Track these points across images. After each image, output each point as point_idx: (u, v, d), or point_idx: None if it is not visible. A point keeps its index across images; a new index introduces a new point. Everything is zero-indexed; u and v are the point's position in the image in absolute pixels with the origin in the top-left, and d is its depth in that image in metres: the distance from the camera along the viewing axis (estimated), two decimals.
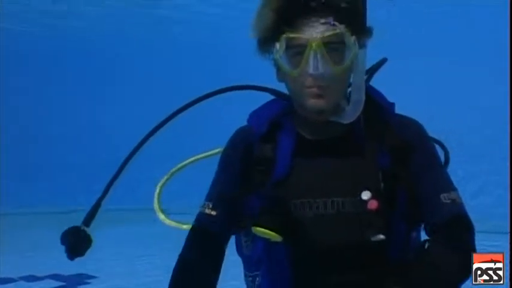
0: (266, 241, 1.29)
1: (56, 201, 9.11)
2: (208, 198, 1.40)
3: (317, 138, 1.33)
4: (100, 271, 5.10)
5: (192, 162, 1.69)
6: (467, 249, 1.30)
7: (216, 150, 1.57)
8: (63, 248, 1.43)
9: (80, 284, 4.79)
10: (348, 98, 1.32)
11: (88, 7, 9.25)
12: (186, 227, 1.50)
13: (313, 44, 1.20)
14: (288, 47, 1.23)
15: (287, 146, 1.34)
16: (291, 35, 1.21)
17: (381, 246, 1.25)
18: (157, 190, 1.65)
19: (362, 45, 1.27)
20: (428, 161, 1.34)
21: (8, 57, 9.56)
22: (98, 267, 5.19)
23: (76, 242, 1.42)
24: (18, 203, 8.90)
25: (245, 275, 1.46)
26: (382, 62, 1.42)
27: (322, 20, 1.21)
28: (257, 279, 1.39)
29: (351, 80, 1.31)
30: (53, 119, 10.03)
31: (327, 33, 1.20)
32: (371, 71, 1.42)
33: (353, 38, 1.23)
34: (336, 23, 1.21)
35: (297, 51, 1.22)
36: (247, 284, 1.45)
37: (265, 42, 1.27)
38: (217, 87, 1.47)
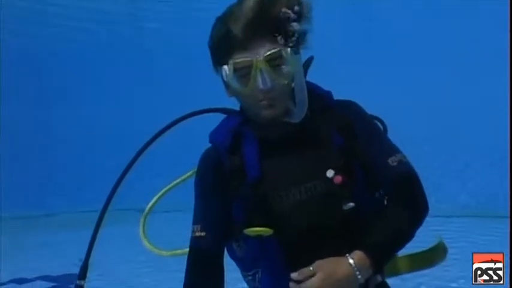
0: (258, 239, 1.44)
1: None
2: (195, 222, 1.55)
3: (276, 138, 1.49)
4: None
5: (168, 189, 1.85)
6: (417, 202, 1.49)
7: (190, 173, 1.75)
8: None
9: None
10: (293, 100, 1.48)
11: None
12: (166, 253, 1.80)
13: (258, 64, 1.38)
14: (236, 69, 1.41)
15: (252, 151, 1.49)
16: (237, 60, 1.40)
17: (353, 214, 1.42)
18: (141, 225, 1.85)
19: (297, 53, 1.43)
20: (371, 132, 1.53)
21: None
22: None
23: None
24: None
25: (244, 276, 1.57)
26: (310, 60, 1.55)
27: (261, 42, 1.39)
28: (257, 275, 1.51)
29: (293, 84, 1.48)
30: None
31: (267, 53, 1.39)
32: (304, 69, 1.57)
33: (289, 50, 1.40)
34: (274, 42, 1.39)
35: (244, 72, 1.41)
36: (248, 283, 1.57)
37: (216, 64, 1.48)
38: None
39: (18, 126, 9.66)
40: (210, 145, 1.59)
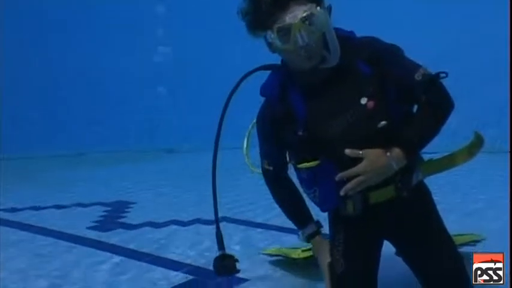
0: (312, 168, 1.86)
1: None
2: (263, 157, 2.08)
3: (316, 82, 1.82)
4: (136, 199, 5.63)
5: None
6: (440, 102, 1.80)
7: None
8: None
9: (122, 210, 5.15)
10: (327, 48, 1.78)
11: None
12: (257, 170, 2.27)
13: (296, 25, 1.70)
14: (278, 31, 1.72)
15: (297, 97, 1.85)
16: (280, 25, 1.72)
17: (387, 128, 1.75)
18: (245, 150, 2.58)
19: (323, 8, 1.74)
20: (394, 57, 1.81)
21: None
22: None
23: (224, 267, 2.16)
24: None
25: (307, 193, 2.00)
26: (330, 8, 1.83)
27: (295, 6, 1.71)
28: (316, 193, 1.92)
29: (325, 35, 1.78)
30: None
31: (302, 15, 1.70)
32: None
33: (318, 9, 1.72)
34: (305, 4, 1.71)
35: (285, 32, 1.72)
36: (310, 198, 2.00)
37: (257, 30, 1.79)
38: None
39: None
40: None
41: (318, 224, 2.12)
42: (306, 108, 1.83)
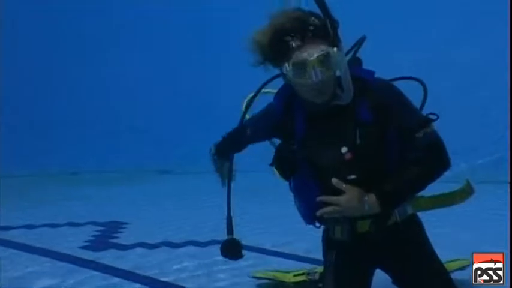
0: (299, 177, 2.01)
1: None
2: (249, 125, 2.18)
3: (318, 110, 1.89)
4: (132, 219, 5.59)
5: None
6: (436, 164, 1.84)
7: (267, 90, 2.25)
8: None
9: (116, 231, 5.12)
10: (339, 86, 1.85)
11: None
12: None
13: (311, 62, 1.76)
14: (294, 65, 1.79)
15: (300, 117, 1.93)
16: (296, 60, 1.78)
17: (356, 182, 1.84)
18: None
19: (339, 48, 1.81)
20: (402, 107, 1.85)
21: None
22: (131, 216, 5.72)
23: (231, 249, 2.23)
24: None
25: (294, 202, 2.10)
26: (362, 40, 1.99)
27: (312, 45, 1.77)
28: (299, 204, 2.07)
29: (339, 74, 1.85)
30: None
31: (319, 53, 1.77)
32: (355, 48, 2.03)
33: (334, 49, 1.78)
34: (321, 43, 1.78)
35: (300, 67, 1.79)
36: (296, 207, 2.11)
37: (271, 62, 1.86)
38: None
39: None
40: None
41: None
42: (305, 129, 1.91)
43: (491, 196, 5.42)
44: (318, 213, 1.85)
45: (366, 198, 1.80)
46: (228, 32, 7.62)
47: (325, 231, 2.07)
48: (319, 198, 1.85)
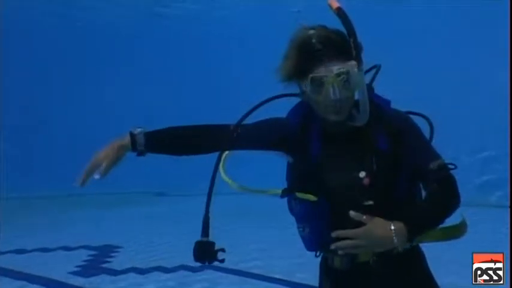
0: (307, 202, 1.83)
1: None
2: (239, 125, 1.81)
3: (337, 132, 1.85)
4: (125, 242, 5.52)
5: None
6: (451, 199, 1.77)
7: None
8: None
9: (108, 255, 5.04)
10: (356, 107, 1.81)
11: None
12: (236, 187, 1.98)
13: (331, 79, 1.72)
14: (312, 80, 1.74)
15: (317, 135, 1.87)
16: (315, 75, 1.74)
17: (373, 208, 1.74)
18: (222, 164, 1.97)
19: (360, 69, 1.75)
20: (416, 140, 1.81)
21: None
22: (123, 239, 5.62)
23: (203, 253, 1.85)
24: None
25: (297, 227, 1.91)
26: (378, 68, 1.90)
27: (332, 62, 1.73)
28: (305, 229, 1.89)
29: (357, 95, 1.81)
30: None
31: (338, 70, 1.72)
32: (373, 75, 1.93)
33: (355, 69, 1.73)
34: (342, 62, 1.72)
35: (318, 83, 1.74)
36: (299, 233, 1.91)
37: (293, 76, 1.79)
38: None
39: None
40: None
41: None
42: (321, 148, 1.86)
43: None
44: (333, 246, 1.70)
45: (393, 227, 1.66)
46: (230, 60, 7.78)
47: (323, 259, 1.95)
48: (334, 234, 1.71)
